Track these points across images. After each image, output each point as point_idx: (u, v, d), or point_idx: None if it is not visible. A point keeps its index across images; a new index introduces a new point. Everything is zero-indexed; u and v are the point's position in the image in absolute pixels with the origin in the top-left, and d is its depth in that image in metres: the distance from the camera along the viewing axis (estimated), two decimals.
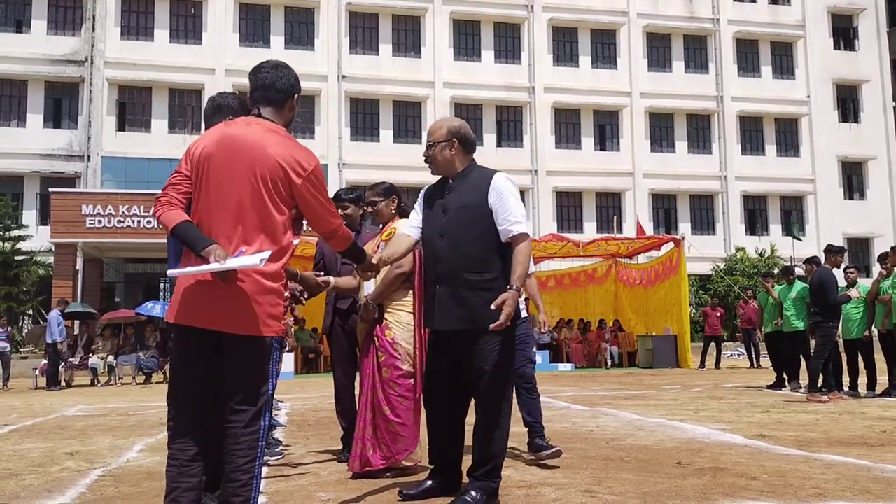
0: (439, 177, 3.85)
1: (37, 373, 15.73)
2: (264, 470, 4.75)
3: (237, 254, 2.74)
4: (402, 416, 4.38)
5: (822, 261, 9.95)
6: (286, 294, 2.95)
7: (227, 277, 2.71)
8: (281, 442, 6.06)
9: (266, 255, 2.71)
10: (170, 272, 2.86)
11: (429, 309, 3.70)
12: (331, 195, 3.44)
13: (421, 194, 3.89)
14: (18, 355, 20.76)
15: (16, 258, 25.20)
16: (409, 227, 3.87)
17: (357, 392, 4.83)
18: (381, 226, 4.84)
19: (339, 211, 4.90)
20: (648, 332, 19.77)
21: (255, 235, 2.82)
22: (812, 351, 9.48)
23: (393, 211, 4.72)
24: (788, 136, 34.62)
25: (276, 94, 3.01)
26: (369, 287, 4.56)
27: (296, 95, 3.08)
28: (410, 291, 4.48)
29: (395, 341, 4.44)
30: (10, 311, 23.38)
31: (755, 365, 17.04)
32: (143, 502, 3.81)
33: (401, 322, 4.46)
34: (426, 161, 3.80)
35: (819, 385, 9.25)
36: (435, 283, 3.63)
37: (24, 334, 22.44)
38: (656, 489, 3.87)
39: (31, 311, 25.07)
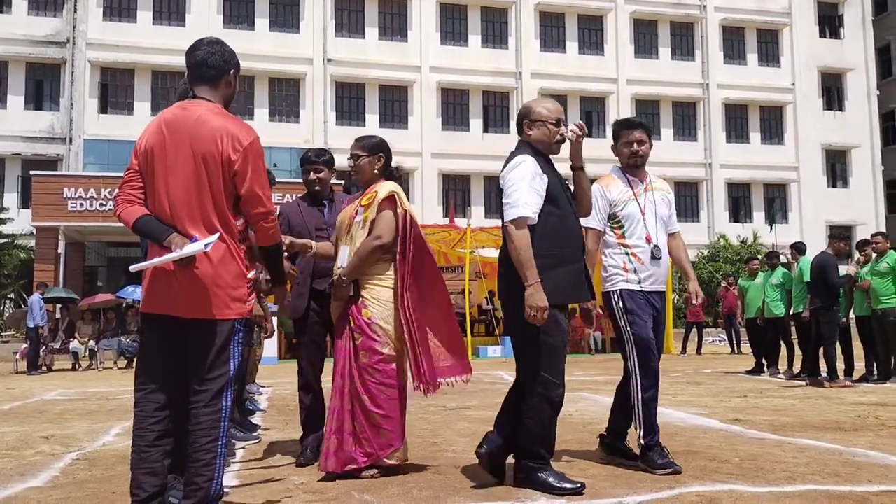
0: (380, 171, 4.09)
1: (17, 357, 15.62)
2: (239, 454, 4.78)
3: (192, 240, 2.75)
4: (385, 407, 3.83)
5: (826, 246, 9.94)
6: (250, 275, 2.92)
7: (186, 264, 2.73)
8: (259, 426, 6.07)
9: (212, 239, 2.71)
10: (132, 268, 2.87)
11: (577, 285, 3.62)
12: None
13: (537, 169, 3.57)
14: (1, 339, 20.62)
15: None
16: (530, 208, 3.49)
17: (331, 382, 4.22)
18: (360, 189, 4.22)
19: (312, 175, 4.59)
20: None
21: (208, 218, 2.82)
22: (822, 339, 9.47)
23: (377, 171, 4.11)
24: (773, 123, 34.75)
25: (209, 70, 2.98)
26: (343, 259, 4.00)
27: (231, 71, 3.03)
28: (391, 265, 3.95)
29: (373, 321, 3.87)
30: None
31: (736, 351, 17.17)
32: (115, 485, 3.79)
33: (379, 299, 3.90)
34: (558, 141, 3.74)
35: (809, 370, 9.43)
36: (576, 259, 3.63)
37: (4, 318, 22.27)
38: (628, 472, 3.89)
39: (12, 295, 24.87)
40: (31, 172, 22.87)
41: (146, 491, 2.77)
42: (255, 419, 6.56)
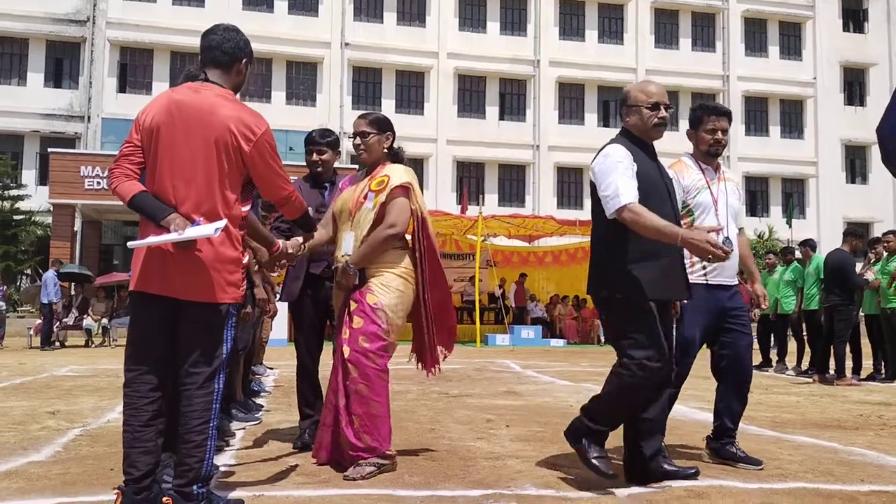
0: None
1: (31, 332, 15.82)
2: (239, 434, 4.84)
3: (195, 223, 2.75)
4: (382, 396, 3.65)
5: (841, 243, 9.83)
6: (244, 261, 2.96)
7: (186, 245, 2.74)
8: (262, 407, 6.13)
9: (221, 224, 2.73)
10: (130, 244, 2.89)
11: (673, 281, 3.47)
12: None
13: (628, 155, 3.41)
14: (16, 314, 20.89)
15: (14, 217, 25.26)
16: (630, 193, 3.30)
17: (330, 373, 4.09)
18: (362, 171, 4.02)
19: (315, 156, 4.50)
20: None
21: (211, 202, 2.83)
22: (833, 336, 9.41)
23: (385, 150, 3.92)
24: (793, 117, 34.41)
25: (223, 55, 3.00)
26: (348, 245, 3.78)
27: (244, 60, 3.05)
28: (401, 252, 3.79)
29: (379, 307, 3.66)
30: (9, 270, 23.48)
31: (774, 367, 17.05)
32: (114, 462, 3.84)
33: (387, 286, 3.70)
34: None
35: (818, 367, 9.39)
36: (672, 253, 3.46)
37: (20, 293, 22.55)
38: (619, 465, 3.90)
39: (28, 271, 25.16)
40: (49, 150, 23.05)
41: (139, 470, 2.81)
42: (259, 400, 6.62)
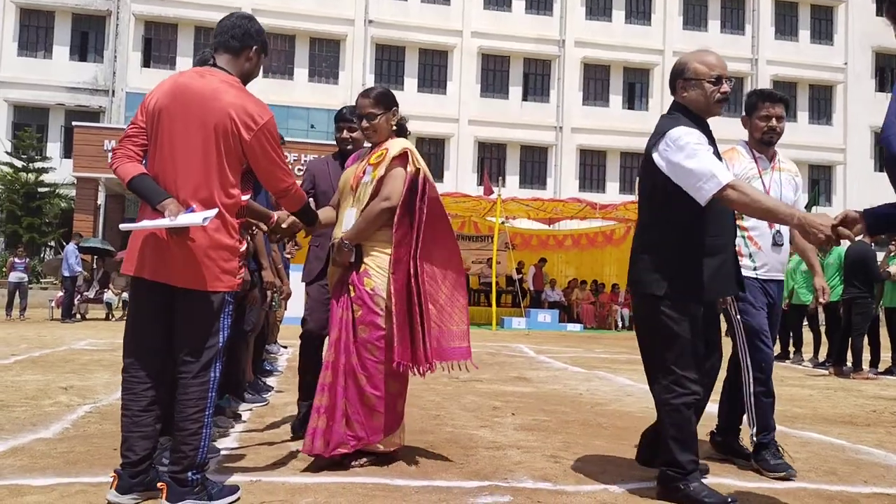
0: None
1: (52, 304, 16.06)
2: (246, 415, 4.88)
3: (188, 210, 2.75)
4: (381, 388, 3.51)
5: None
6: (242, 248, 2.95)
7: (179, 232, 2.73)
8: (271, 388, 6.18)
9: (211, 213, 2.72)
10: (122, 226, 2.89)
11: (729, 277, 3.27)
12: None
13: (701, 135, 3.15)
14: (39, 285, 21.21)
15: (39, 190, 25.55)
16: (724, 171, 3.04)
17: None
18: (367, 148, 3.85)
19: (346, 133, 4.34)
20: None
21: (208, 189, 2.82)
22: (852, 328, 9.30)
23: (393, 127, 3.78)
24: (822, 103, 33.82)
25: (232, 40, 2.99)
26: (348, 223, 3.64)
27: (255, 47, 3.02)
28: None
29: (376, 293, 3.52)
30: (32, 242, 23.82)
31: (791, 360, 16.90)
32: (118, 442, 3.88)
33: (383, 268, 3.56)
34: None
35: (835, 359, 9.29)
36: (730, 247, 3.28)
37: (42, 265, 22.88)
38: (620, 458, 3.89)
39: (52, 243, 25.49)
40: (73, 123, 23.27)
41: (137, 454, 2.85)
42: (270, 381, 6.67)
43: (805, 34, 33.79)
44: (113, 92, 28.49)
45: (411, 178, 3.60)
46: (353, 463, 3.52)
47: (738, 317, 3.73)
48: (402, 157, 3.63)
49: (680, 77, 3.30)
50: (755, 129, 3.89)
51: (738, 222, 3.66)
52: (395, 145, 3.68)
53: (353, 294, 3.56)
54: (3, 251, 24.69)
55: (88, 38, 29.15)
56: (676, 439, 3.13)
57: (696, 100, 3.26)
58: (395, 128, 3.77)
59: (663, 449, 3.18)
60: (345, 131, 4.36)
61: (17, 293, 15.96)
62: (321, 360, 3.83)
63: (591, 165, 32.26)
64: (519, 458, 3.82)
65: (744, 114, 3.98)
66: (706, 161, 3.02)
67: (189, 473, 2.78)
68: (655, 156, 3.15)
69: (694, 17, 33.16)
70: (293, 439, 4.15)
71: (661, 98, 32.18)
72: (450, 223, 3.82)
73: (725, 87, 3.24)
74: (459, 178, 29.79)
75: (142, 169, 2.84)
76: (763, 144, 3.89)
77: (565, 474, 3.53)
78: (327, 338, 3.75)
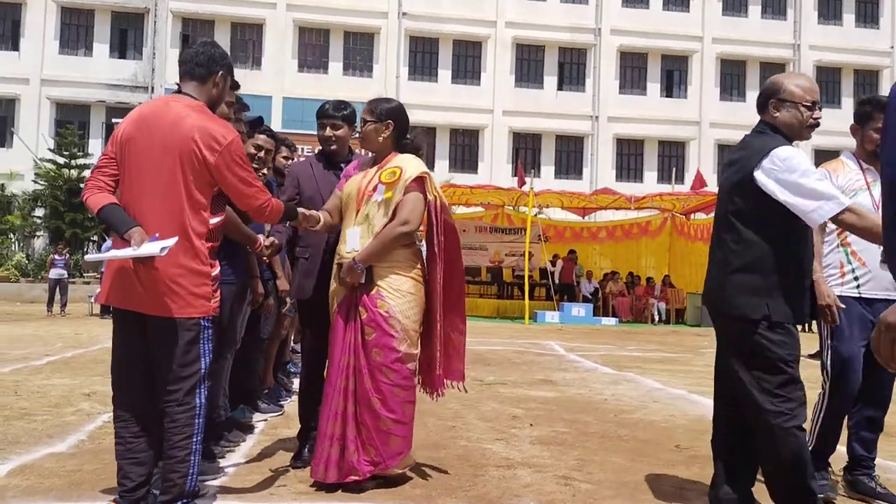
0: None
1: (92, 300, 16.36)
2: (259, 426, 4.87)
3: (152, 238, 2.73)
4: (397, 411, 3.42)
5: None
6: (214, 273, 2.93)
7: (145, 261, 2.73)
8: (292, 393, 6.15)
9: (169, 243, 2.69)
10: (87, 258, 2.94)
11: (807, 302, 3.09)
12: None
13: (804, 154, 3.07)
14: (82, 279, 21.68)
15: (81, 186, 26.04)
16: (841, 194, 2.96)
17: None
18: (370, 157, 3.77)
19: (328, 131, 3.99)
20: (699, 290, 19.35)
21: (177, 215, 2.81)
22: None
23: (382, 140, 3.65)
24: (867, 89, 32.67)
25: (197, 68, 2.99)
26: (354, 241, 3.50)
27: (220, 72, 3.02)
28: (413, 252, 3.56)
29: (391, 315, 3.42)
30: (75, 237, 24.31)
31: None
32: None
33: (398, 290, 3.45)
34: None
35: None
36: (810, 271, 3.12)
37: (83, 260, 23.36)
38: (636, 479, 3.77)
39: (95, 238, 26.00)
40: (113, 120, 23.67)
41: (133, 481, 2.83)
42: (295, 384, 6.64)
43: (850, 18, 32.76)
44: (152, 88, 28.88)
45: (433, 208, 3.55)
46: (366, 486, 3.42)
47: (829, 341, 3.57)
48: (420, 182, 3.54)
49: (774, 97, 3.17)
50: (868, 141, 3.67)
51: (841, 235, 3.59)
52: (410, 166, 3.56)
53: (364, 316, 3.45)
54: (48, 245, 25.26)
55: (127, 35, 29.59)
56: (794, 465, 2.90)
57: (789, 122, 3.14)
58: (381, 140, 3.64)
59: (776, 479, 2.98)
60: (327, 128, 4.01)
61: (58, 289, 16.30)
62: (322, 384, 3.67)
63: (628, 155, 31.82)
64: (529, 480, 3.73)
65: (854, 122, 3.78)
66: (824, 182, 2.96)
67: (179, 502, 2.75)
68: (759, 174, 2.98)
69: (734, 1, 32.38)
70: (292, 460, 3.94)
71: (699, 86, 31.59)
72: (458, 240, 3.75)
73: (818, 114, 3.15)
74: (494, 169, 29.61)
75: (111, 199, 2.84)
76: (875, 157, 3.63)
77: (574, 499, 3.43)
78: (330, 360, 3.59)
